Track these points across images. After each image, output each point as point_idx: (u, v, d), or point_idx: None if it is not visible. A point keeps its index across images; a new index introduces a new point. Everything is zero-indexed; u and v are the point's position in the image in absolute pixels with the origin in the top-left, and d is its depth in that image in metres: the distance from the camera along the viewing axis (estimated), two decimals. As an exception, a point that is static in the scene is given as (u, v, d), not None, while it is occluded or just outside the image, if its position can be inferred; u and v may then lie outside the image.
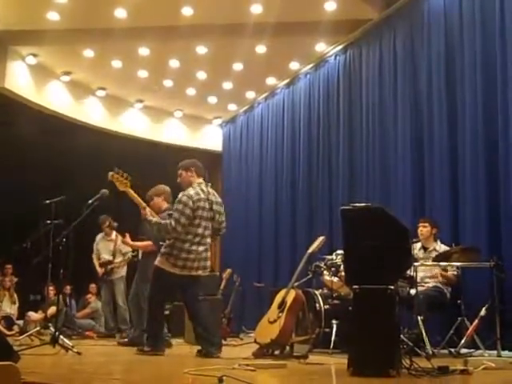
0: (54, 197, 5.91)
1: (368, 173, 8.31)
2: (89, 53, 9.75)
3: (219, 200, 5.55)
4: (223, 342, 5.75)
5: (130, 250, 8.22)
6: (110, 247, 8.78)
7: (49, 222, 5.85)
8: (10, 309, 9.74)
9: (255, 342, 5.34)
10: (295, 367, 4.36)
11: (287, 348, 5.17)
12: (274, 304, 5.38)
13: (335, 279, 6.43)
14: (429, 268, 6.14)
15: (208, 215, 5.35)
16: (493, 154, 6.40)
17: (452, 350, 5.51)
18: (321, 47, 9.51)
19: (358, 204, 3.95)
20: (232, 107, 12.12)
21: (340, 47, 9.25)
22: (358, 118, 8.69)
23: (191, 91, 11.20)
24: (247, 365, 3.96)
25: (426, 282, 6.11)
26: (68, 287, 10.12)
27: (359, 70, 8.81)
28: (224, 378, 2.90)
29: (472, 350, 5.47)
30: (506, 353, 5.40)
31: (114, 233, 8.80)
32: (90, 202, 5.56)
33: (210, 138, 12.86)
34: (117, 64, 10.11)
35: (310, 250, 5.75)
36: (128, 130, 11.75)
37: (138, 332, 6.38)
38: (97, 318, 10.17)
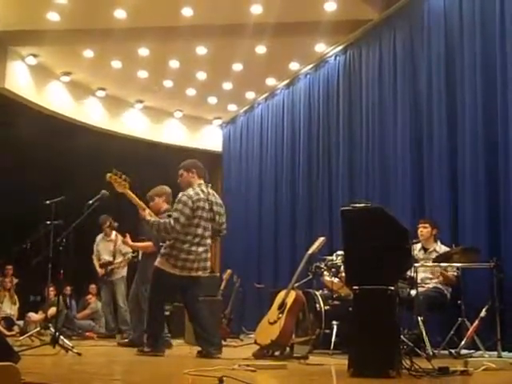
0: (53, 197, 5.91)
1: (368, 173, 8.31)
2: (89, 53, 9.75)
3: (219, 201, 5.55)
4: (223, 343, 5.75)
5: (130, 250, 8.21)
6: (110, 248, 8.78)
7: (49, 222, 5.85)
8: (11, 309, 9.74)
9: (255, 342, 5.34)
10: (295, 368, 4.36)
11: (287, 349, 5.16)
12: (274, 305, 5.38)
13: (335, 280, 6.42)
14: (429, 269, 6.13)
15: (208, 216, 5.35)
16: (492, 154, 6.40)
17: (452, 350, 5.50)
18: (321, 48, 9.51)
19: (357, 204, 3.94)
20: (232, 108, 12.12)
21: (340, 48, 9.26)
22: (357, 118, 8.70)
23: (191, 92, 11.20)
24: (247, 365, 3.96)
25: (426, 283, 6.11)
26: (68, 288, 10.12)
27: (359, 70, 8.81)
28: (224, 378, 2.90)
29: (472, 351, 5.48)
30: (506, 354, 5.40)
31: (114, 233, 8.80)
32: (90, 202, 5.57)
33: (210, 139, 12.86)
34: (117, 64, 10.11)
35: (310, 251, 5.74)
36: (128, 130, 11.75)
37: (138, 333, 6.37)
38: (97, 318, 10.17)
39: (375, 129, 8.26)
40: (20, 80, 9.88)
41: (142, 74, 10.43)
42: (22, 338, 6.75)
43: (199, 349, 5.25)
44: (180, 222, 5.15)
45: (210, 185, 5.55)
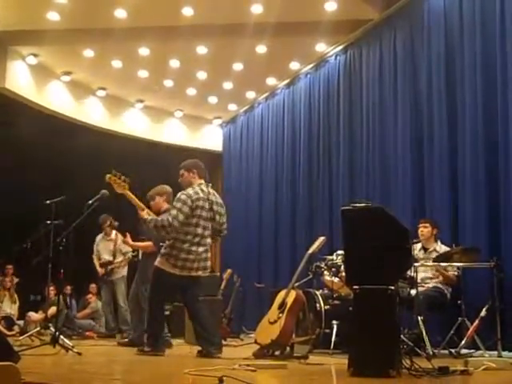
0: (54, 197, 5.91)
1: (368, 173, 8.31)
2: (89, 53, 9.75)
3: (220, 201, 5.55)
4: (223, 343, 5.75)
5: (130, 249, 8.22)
6: (110, 247, 8.78)
7: (49, 222, 5.85)
8: (11, 309, 9.74)
9: (255, 342, 5.34)
10: (295, 367, 4.36)
11: (287, 348, 5.16)
12: (275, 304, 5.38)
13: (336, 279, 6.42)
14: (429, 268, 6.13)
15: (207, 215, 5.35)
16: (492, 154, 6.40)
17: (452, 350, 5.51)
18: (321, 47, 9.50)
19: (358, 204, 3.94)
20: (232, 107, 12.12)
21: (340, 47, 9.25)
22: (358, 118, 8.70)
23: (191, 91, 11.20)
24: (247, 365, 3.96)
25: (426, 283, 6.11)
26: (68, 287, 10.12)
27: (359, 70, 8.81)
28: (224, 378, 2.90)
29: (472, 351, 5.48)
30: (506, 353, 5.40)
31: (114, 232, 8.80)
32: (91, 202, 5.57)
33: (210, 138, 12.86)
34: (117, 64, 10.11)
35: (310, 251, 5.74)
36: (128, 130, 11.75)
37: (139, 332, 6.37)
38: (97, 318, 10.18)
39: (375, 128, 8.26)
40: (20, 80, 9.88)
41: (143, 73, 10.42)
42: (22, 337, 6.75)
43: (199, 348, 5.25)
44: (178, 219, 5.15)
45: (210, 184, 5.55)
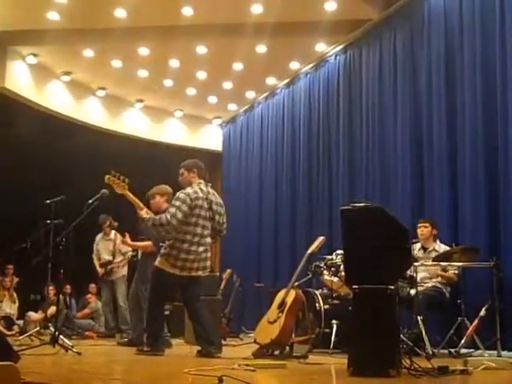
0: (53, 196, 5.91)
1: (368, 173, 8.31)
2: (89, 53, 9.75)
3: (219, 201, 5.54)
4: (223, 342, 5.75)
5: (130, 249, 8.22)
6: (110, 247, 8.78)
7: (48, 221, 5.85)
8: (10, 309, 9.74)
9: (255, 342, 5.34)
10: (295, 367, 4.36)
11: (287, 348, 5.16)
12: (274, 304, 5.38)
13: (335, 279, 6.42)
14: (428, 268, 6.14)
15: (207, 214, 5.35)
16: (492, 154, 6.40)
17: (452, 350, 5.50)
18: (321, 47, 9.51)
19: (357, 204, 3.94)
20: (232, 107, 12.13)
21: (340, 47, 9.26)
22: (357, 118, 8.70)
23: (191, 91, 11.20)
24: (247, 365, 3.96)
25: (425, 282, 6.11)
26: (68, 287, 10.12)
27: (359, 70, 8.81)
28: (224, 378, 2.89)
29: (472, 350, 5.47)
30: (505, 353, 5.40)
31: (113, 232, 8.80)
32: (90, 201, 5.57)
33: (210, 138, 12.86)
34: (117, 64, 10.12)
35: (309, 251, 5.74)
36: (128, 129, 11.76)
37: (138, 332, 6.37)
38: (96, 318, 10.18)
39: (375, 128, 8.27)
40: (20, 79, 9.88)
41: (142, 73, 10.43)
42: (21, 337, 6.75)
43: (199, 348, 5.25)
44: (176, 217, 5.14)
45: (209, 184, 5.55)
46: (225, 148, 12.74)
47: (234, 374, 3.33)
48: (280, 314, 5.20)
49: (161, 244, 5.51)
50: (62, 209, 5.87)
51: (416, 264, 5.62)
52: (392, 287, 3.65)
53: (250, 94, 11.48)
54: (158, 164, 10.00)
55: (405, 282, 5.60)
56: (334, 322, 6.10)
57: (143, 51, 9.67)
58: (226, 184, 12.28)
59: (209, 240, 5.40)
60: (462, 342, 5.48)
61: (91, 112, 11.23)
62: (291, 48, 9.50)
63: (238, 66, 10.09)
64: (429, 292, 5.98)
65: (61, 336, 5.38)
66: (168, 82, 10.81)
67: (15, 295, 9.92)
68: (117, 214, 8.69)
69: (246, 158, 11.83)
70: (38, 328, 7.00)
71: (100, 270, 8.74)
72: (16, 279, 9.99)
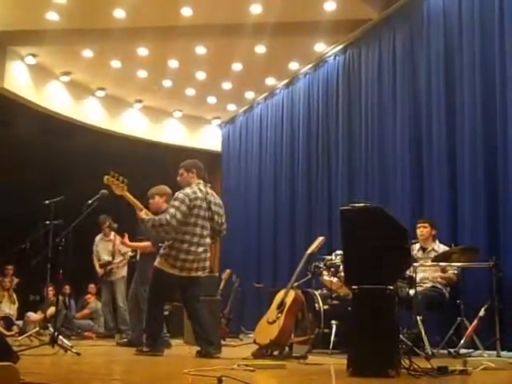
0: (52, 197, 5.90)
1: (367, 173, 8.31)
2: (88, 53, 9.75)
3: (219, 201, 5.54)
4: (222, 343, 5.76)
5: (129, 249, 8.21)
6: (109, 248, 8.78)
7: (48, 222, 5.85)
8: (10, 309, 9.73)
9: (254, 342, 5.34)
10: (294, 367, 4.36)
11: (286, 348, 5.16)
12: (273, 304, 5.38)
13: (334, 279, 6.42)
14: (428, 268, 6.14)
15: (206, 215, 5.35)
16: (491, 154, 6.40)
17: (451, 350, 5.51)
18: (320, 47, 9.51)
19: (356, 204, 3.94)
20: (231, 107, 12.12)
21: (339, 47, 9.26)
22: (357, 118, 8.70)
23: (190, 91, 11.20)
24: (246, 365, 3.96)
25: (424, 283, 6.11)
26: (67, 287, 10.11)
27: (358, 70, 8.81)
28: (223, 378, 2.89)
29: (471, 351, 5.47)
30: (505, 353, 5.40)
31: (113, 233, 8.79)
32: (90, 202, 5.57)
33: (209, 139, 12.86)
34: (116, 64, 10.12)
35: (309, 251, 5.74)
36: (127, 130, 11.76)
37: (137, 332, 6.37)
38: (96, 318, 10.17)
39: (374, 128, 8.27)
40: (19, 80, 9.88)
41: (142, 73, 10.43)
42: (21, 337, 6.74)
43: (198, 348, 5.25)
44: (176, 217, 5.14)
45: (208, 185, 5.55)
46: (224, 148, 12.74)
47: (233, 374, 3.33)
48: (279, 315, 5.20)
49: (160, 244, 5.51)
50: (62, 209, 5.87)
51: (415, 264, 5.62)
52: (391, 287, 3.64)
53: (250, 95, 11.48)
54: (157, 164, 10.00)
55: (404, 283, 5.60)
56: (333, 322, 6.10)
57: (142, 51, 9.67)
58: (226, 184, 12.28)
59: (208, 240, 5.39)
60: (462, 342, 5.49)
61: (90, 112, 11.23)
62: (290, 48, 9.50)
63: (237, 67, 10.09)
64: (428, 292, 5.98)
65: (60, 336, 5.38)
66: (167, 83, 10.81)
67: (15, 296, 9.91)
68: (116, 215, 8.68)
69: (245, 158, 11.83)
70: (37, 328, 6.99)
71: (100, 271, 8.74)
72: (16, 280, 9.99)
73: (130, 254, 8.32)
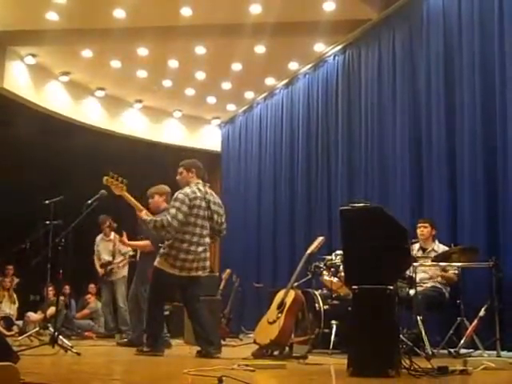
0: (52, 197, 5.90)
1: (367, 173, 8.31)
2: (88, 53, 9.74)
3: (218, 201, 5.54)
4: (222, 343, 5.76)
5: (130, 249, 8.23)
6: (110, 248, 8.78)
7: (48, 222, 5.85)
8: (10, 309, 9.73)
9: (254, 342, 5.34)
10: (295, 367, 4.36)
11: (286, 348, 5.16)
12: (274, 304, 5.38)
13: (334, 279, 6.42)
14: (428, 268, 6.14)
15: (205, 214, 5.35)
16: (491, 154, 6.41)
17: (451, 350, 5.51)
18: (320, 47, 9.51)
19: (356, 204, 3.94)
20: (231, 107, 12.12)
21: (339, 47, 9.26)
22: (356, 118, 8.70)
23: (190, 91, 11.20)
24: (246, 365, 3.96)
25: (424, 283, 6.11)
26: (67, 287, 10.12)
27: (358, 70, 8.81)
28: (223, 378, 2.89)
29: (471, 350, 5.47)
30: (505, 353, 5.40)
31: (113, 233, 8.79)
32: (89, 202, 5.57)
33: (209, 138, 12.86)
34: (116, 64, 10.11)
35: (309, 251, 5.74)
36: (127, 130, 11.76)
37: (138, 332, 6.37)
38: (96, 318, 10.17)
39: (374, 128, 8.27)
40: (19, 80, 9.87)
41: (141, 73, 10.43)
42: (21, 337, 6.74)
43: (198, 348, 5.25)
44: (177, 218, 5.15)
45: (208, 184, 5.55)
46: (224, 148, 12.74)
47: (233, 374, 3.33)
48: (279, 315, 5.20)
49: (160, 245, 5.51)
50: (61, 209, 5.87)
51: (415, 264, 5.62)
52: (391, 287, 3.65)
53: (249, 95, 11.48)
54: (156, 164, 9.99)
55: (404, 282, 5.60)
56: (333, 322, 6.10)
57: (142, 51, 9.67)
58: (225, 184, 12.28)
59: (208, 240, 5.40)
60: (462, 342, 5.49)
61: (90, 112, 11.23)
62: (290, 48, 9.50)
63: (236, 67, 10.09)
64: (428, 292, 5.99)
65: (60, 336, 5.38)
66: (167, 83, 10.81)
67: (15, 296, 9.91)
68: (116, 215, 8.68)
69: (244, 158, 11.83)
70: (37, 328, 6.99)
71: (100, 271, 8.74)
72: (16, 280, 9.99)
73: (130, 253, 8.34)
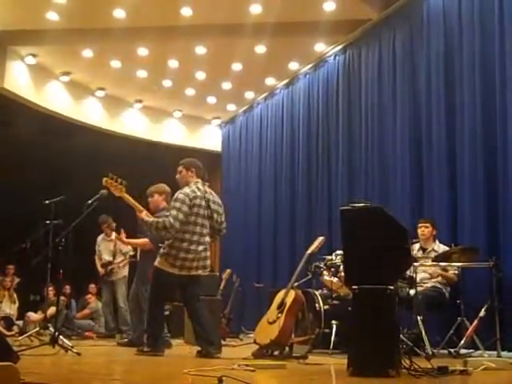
0: (52, 197, 5.90)
1: (367, 173, 8.31)
2: (88, 53, 9.75)
3: (217, 200, 5.55)
4: (223, 343, 5.76)
5: (131, 249, 8.23)
6: (111, 247, 8.78)
7: (48, 222, 5.85)
8: (10, 309, 9.73)
9: (255, 342, 5.34)
10: (295, 367, 4.36)
11: (287, 348, 5.16)
12: (274, 304, 5.38)
13: (335, 279, 6.42)
14: (428, 268, 6.14)
15: (205, 213, 5.35)
16: (491, 154, 6.41)
17: (452, 350, 5.51)
18: (320, 47, 9.51)
19: (356, 204, 3.94)
20: (231, 107, 12.12)
21: (339, 47, 9.26)
22: (357, 118, 8.70)
23: (190, 91, 11.20)
24: (247, 365, 3.96)
25: (424, 283, 6.11)
26: (67, 287, 10.12)
27: (358, 70, 8.81)
28: (224, 378, 2.89)
29: (471, 351, 5.47)
30: (505, 353, 5.40)
31: (114, 233, 8.79)
32: (90, 202, 5.57)
33: (209, 138, 12.86)
34: (116, 64, 10.11)
35: (309, 251, 5.74)
36: (127, 130, 11.76)
37: (138, 332, 6.37)
38: (96, 318, 10.17)
39: (374, 128, 8.27)
40: (19, 80, 9.88)
41: (142, 73, 10.43)
42: (21, 337, 6.74)
43: (199, 348, 5.25)
44: (178, 218, 5.16)
45: (207, 184, 5.55)
46: (224, 148, 12.74)
47: (233, 374, 3.33)
48: (279, 315, 5.20)
49: (160, 245, 5.51)
50: (62, 209, 5.86)
51: (415, 264, 5.62)
52: (391, 287, 3.65)
53: (249, 95, 11.48)
54: (157, 164, 9.99)
55: (404, 282, 5.60)
56: (333, 322, 6.10)
57: (142, 51, 9.67)
58: (226, 184, 12.28)
59: (208, 239, 5.40)
60: (462, 342, 5.49)
61: (90, 112, 11.23)
62: (290, 48, 9.50)
63: (237, 67, 10.09)
64: (428, 292, 5.98)
65: (60, 336, 5.38)
66: (167, 83, 10.81)
67: (15, 296, 9.92)
68: (116, 215, 8.69)
69: (245, 158, 11.83)
70: (37, 328, 6.99)
71: (101, 271, 8.74)
72: (17, 279, 9.99)
73: (130, 253, 8.34)
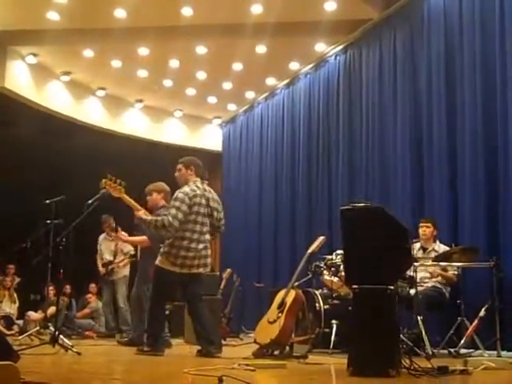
0: (52, 197, 5.90)
1: (367, 173, 8.31)
2: (89, 53, 9.75)
3: (216, 197, 5.56)
4: (223, 342, 5.76)
5: (132, 249, 8.23)
6: (112, 247, 8.79)
7: (48, 221, 5.85)
8: (10, 308, 9.73)
9: (255, 342, 5.34)
10: (295, 367, 4.36)
11: (287, 348, 5.16)
12: (274, 304, 5.38)
13: (335, 279, 6.42)
14: (428, 268, 6.14)
15: (205, 211, 5.36)
16: (492, 154, 6.40)
17: (452, 350, 5.51)
18: (321, 47, 9.51)
19: (357, 204, 3.94)
20: (232, 107, 12.13)
21: (340, 47, 9.26)
22: (357, 118, 8.70)
23: (191, 91, 11.20)
24: (247, 365, 3.96)
25: (425, 282, 6.11)
26: (68, 287, 10.12)
27: (359, 70, 8.81)
28: (224, 377, 2.89)
29: (472, 350, 5.47)
30: (505, 353, 5.40)
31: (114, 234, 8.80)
32: (90, 201, 5.57)
33: (210, 138, 12.87)
34: (116, 64, 10.12)
35: (309, 250, 5.74)
36: (128, 129, 11.76)
37: (139, 332, 6.37)
38: (96, 317, 10.18)
39: (375, 128, 8.27)
40: (20, 79, 9.88)
41: (142, 73, 10.43)
42: (21, 337, 6.75)
43: (199, 348, 5.26)
44: (178, 218, 5.16)
45: (206, 182, 5.55)
46: (224, 148, 12.74)
47: (233, 373, 3.33)
48: (280, 314, 5.20)
49: (160, 245, 5.51)
50: (62, 209, 5.87)
51: (416, 264, 5.62)
52: (392, 287, 3.65)
53: (250, 95, 11.48)
54: (157, 164, 9.98)
55: (404, 282, 5.60)
56: (333, 322, 6.10)
57: (143, 51, 9.67)
58: (226, 184, 12.29)
59: (208, 237, 5.41)
60: (462, 342, 5.49)
61: (91, 112, 11.23)
62: (291, 48, 9.50)
63: (237, 67, 10.09)
64: (429, 292, 5.98)
65: (61, 336, 5.38)
66: (168, 82, 10.82)
67: (15, 295, 9.92)
68: (117, 215, 8.68)
69: (245, 158, 11.84)
70: (37, 328, 7.00)
71: (102, 270, 8.75)
72: (17, 279, 10.00)
73: (131, 253, 8.34)
